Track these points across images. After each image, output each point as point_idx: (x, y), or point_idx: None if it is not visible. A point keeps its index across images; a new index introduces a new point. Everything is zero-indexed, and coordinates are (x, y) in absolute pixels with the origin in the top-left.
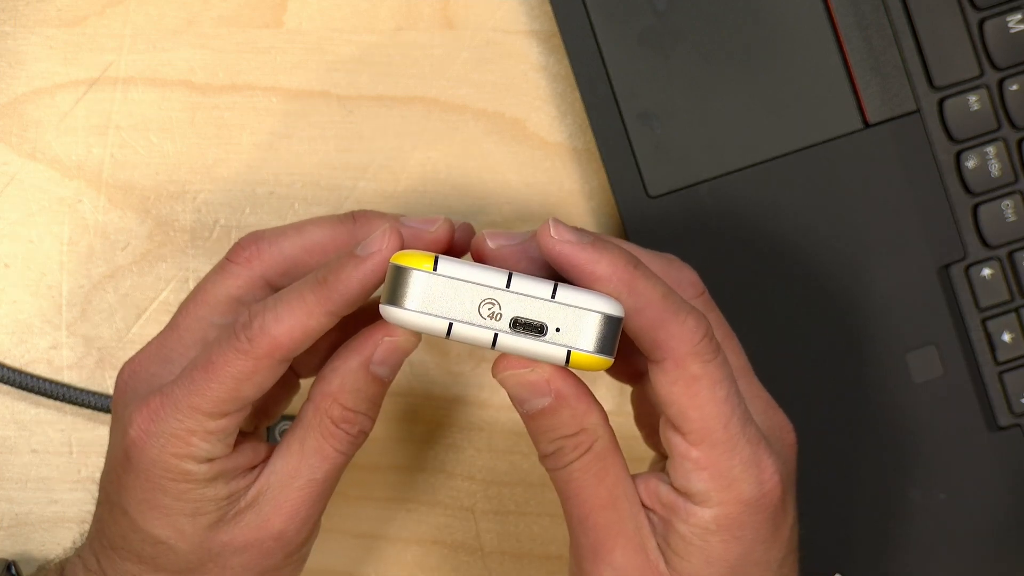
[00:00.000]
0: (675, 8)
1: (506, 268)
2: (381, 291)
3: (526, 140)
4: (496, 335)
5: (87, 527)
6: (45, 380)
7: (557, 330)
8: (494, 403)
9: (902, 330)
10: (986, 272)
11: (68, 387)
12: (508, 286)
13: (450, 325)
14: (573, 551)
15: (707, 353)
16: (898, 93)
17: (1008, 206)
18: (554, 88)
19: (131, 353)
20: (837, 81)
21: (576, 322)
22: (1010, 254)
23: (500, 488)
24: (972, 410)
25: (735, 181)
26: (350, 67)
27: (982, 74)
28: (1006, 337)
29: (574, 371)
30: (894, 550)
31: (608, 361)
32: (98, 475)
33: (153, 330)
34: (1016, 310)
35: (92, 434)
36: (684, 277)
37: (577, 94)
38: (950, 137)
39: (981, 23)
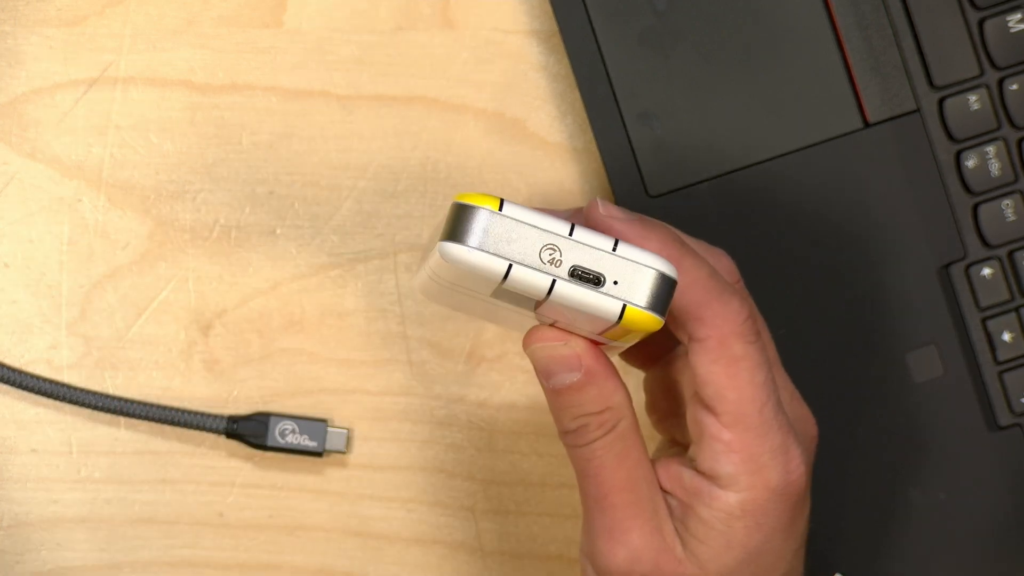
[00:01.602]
0: (675, 8)
1: None
2: (440, 229)
3: (526, 140)
4: (554, 281)
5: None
6: (45, 380)
7: (615, 283)
8: (494, 403)
9: (902, 330)
10: (986, 272)
11: (68, 387)
12: (571, 234)
13: (510, 266)
14: (587, 529)
15: (750, 335)
16: (898, 93)
17: (1008, 206)
18: (554, 88)
19: (131, 353)
20: (837, 81)
21: (634, 277)
22: (1010, 254)
23: (500, 488)
24: (972, 410)
25: (735, 181)
26: (350, 67)
27: (982, 74)
28: (1006, 337)
29: (621, 328)
30: (894, 550)
31: (660, 322)
32: (97, 475)
33: (153, 330)
34: (1016, 310)
35: (92, 434)
36: (721, 264)
37: (577, 94)
38: (950, 137)
39: (981, 23)
